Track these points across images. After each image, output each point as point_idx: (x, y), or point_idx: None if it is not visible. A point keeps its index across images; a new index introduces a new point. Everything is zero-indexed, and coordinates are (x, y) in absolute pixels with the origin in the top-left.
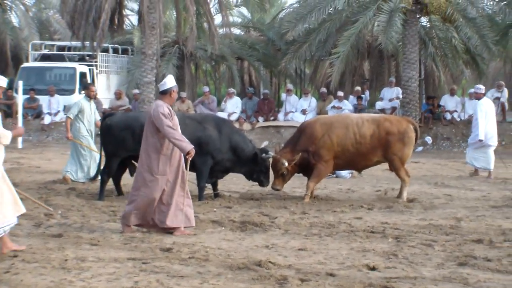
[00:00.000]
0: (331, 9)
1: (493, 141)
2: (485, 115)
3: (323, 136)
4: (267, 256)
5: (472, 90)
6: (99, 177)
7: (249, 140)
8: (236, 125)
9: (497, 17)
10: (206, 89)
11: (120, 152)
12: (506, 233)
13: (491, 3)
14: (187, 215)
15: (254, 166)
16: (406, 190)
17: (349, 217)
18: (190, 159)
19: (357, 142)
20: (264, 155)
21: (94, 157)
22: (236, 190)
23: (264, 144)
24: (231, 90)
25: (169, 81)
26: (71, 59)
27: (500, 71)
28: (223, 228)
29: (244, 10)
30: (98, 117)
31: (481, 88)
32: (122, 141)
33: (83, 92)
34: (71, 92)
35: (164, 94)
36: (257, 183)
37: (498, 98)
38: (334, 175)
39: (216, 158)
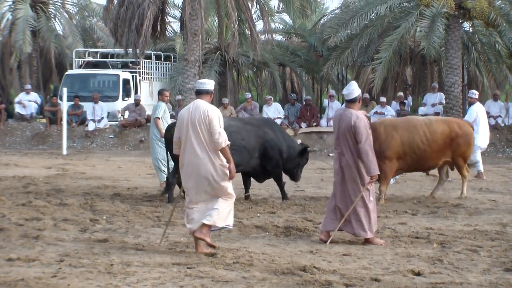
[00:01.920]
0: (372, 14)
1: (483, 144)
2: (482, 119)
3: (387, 137)
4: (311, 261)
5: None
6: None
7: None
8: None
9: None
10: (249, 95)
11: None
12: None
13: None
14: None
15: (300, 160)
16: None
17: (393, 222)
18: (372, 183)
19: (427, 140)
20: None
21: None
22: (279, 196)
23: (298, 141)
24: (269, 97)
25: (357, 88)
26: (114, 66)
27: None
28: (267, 233)
29: (285, 16)
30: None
31: (475, 93)
32: None
33: (126, 98)
34: (114, 98)
35: (353, 102)
36: (292, 180)
37: None
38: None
39: (283, 158)
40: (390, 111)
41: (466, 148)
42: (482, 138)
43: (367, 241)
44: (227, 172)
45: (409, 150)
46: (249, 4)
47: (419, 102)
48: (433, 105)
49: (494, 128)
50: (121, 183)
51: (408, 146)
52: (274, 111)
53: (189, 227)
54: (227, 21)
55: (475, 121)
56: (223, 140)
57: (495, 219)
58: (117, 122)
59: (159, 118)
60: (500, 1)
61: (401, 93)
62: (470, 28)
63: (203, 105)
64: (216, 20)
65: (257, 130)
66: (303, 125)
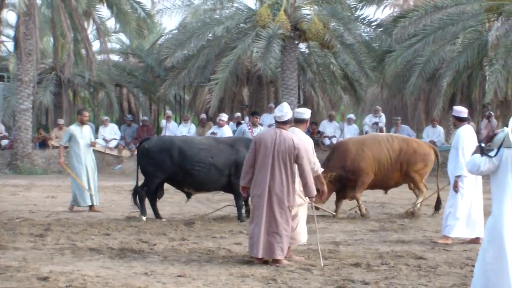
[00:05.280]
0: (210, 35)
1: None
2: None
3: (357, 151)
4: (145, 283)
5: (350, 116)
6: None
7: None
8: (115, 152)
9: (374, 43)
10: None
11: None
12: (383, 256)
13: (368, 29)
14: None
15: None
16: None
17: (229, 242)
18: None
19: (390, 157)
20: None
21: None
22: (115, 217)
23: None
24: (105, 117)
25: (289, 111)
26: None
27: (378, 97)
28: (102, 255)
29: (122, 36)
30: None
31: (225, 116)
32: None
33: None
34: None
35: (302, 122)
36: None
37: (376, 123)
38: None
39: None
40: (227, 132)
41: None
42: None
43: (276, 262)
44: (299, 199)
45: (377, 166)
46: (85, 24)
47: None
48: (270, 125)
49: (329, 148)
50: None
51: (377, 161)
52: (111, 132)
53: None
54: (62, 41)
55: None
56: (318, 167)
57: (328, 238)
58: None
59: (63, 147)
60: (334, 23)
61: (238, 114)
62: (306, 50)
63: (297, 134)
64: (52, 39)
65: (229, 148)
66: None
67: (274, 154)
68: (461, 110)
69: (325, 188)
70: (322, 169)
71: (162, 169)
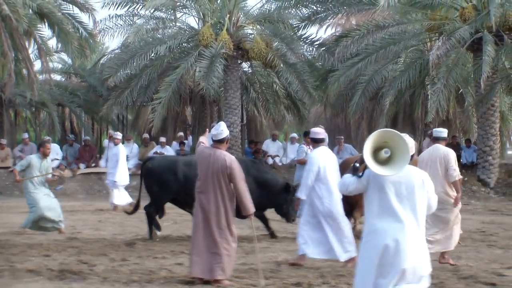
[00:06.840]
0: (152, 55)
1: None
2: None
3: None
4: None
5: (293, 135)
6: None
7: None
8: (57, 172)
9: (317, 62)
10: (26, 135)
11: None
12: (325, 276)
13: (311, 49)
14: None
15: (287, 196)
16: None
17: (170, 263)
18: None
19: None
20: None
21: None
22: (55, 238)
23: None
24: (47, 138)
25: (225, 129)
26: None
27: (321, 116)
28: (41, 277)
29: (64, 56)
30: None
31: (119, 134)
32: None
33: None
34: None
35: (221, 142)
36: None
37: None
38: None
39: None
40: (170, 151)
41: None
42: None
43: (217, 282)
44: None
45: None
46: (26, 43)
47: None
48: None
49: (272, 167)
50: None
51: None
52: (53, 152)
53: None
54: (3, 61)
55: (117, 160)
56: (457, 174)
57: (270, 257)
58: None
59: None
60: (277, 42)
61: (181, 133)
62: (249, 69)
63: (439, 149)
64: None
65: None
66: (82, 165)
67: (208, 174)
68: (318, 132)
69: (459, 195)
70: (461, 177)
71: (168, 189)
